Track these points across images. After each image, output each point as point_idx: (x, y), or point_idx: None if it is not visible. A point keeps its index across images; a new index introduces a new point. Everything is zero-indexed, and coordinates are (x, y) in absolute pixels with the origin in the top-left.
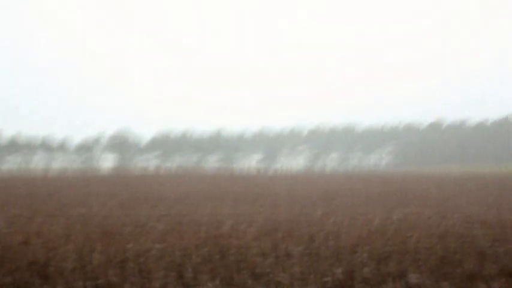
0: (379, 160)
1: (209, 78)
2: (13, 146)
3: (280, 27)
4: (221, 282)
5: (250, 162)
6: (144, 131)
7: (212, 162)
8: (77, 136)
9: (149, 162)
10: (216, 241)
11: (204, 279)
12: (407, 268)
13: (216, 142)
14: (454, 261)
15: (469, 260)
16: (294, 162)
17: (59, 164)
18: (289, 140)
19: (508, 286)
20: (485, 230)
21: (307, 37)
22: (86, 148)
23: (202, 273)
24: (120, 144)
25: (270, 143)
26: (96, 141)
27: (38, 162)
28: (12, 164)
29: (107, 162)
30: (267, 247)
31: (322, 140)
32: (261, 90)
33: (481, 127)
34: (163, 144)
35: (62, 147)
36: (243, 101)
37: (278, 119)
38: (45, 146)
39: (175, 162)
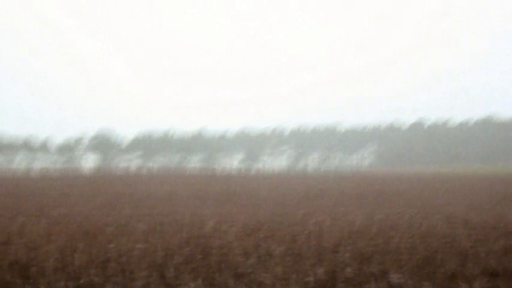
0: (361, 160)
1: (191, 78)
2: None
3: (258, 27)
4: (203, 282)
5: (232, 162)
6: (127, 131)
7: (194, 162)
8: (59, 136)
9: (131, 163)
10: (198, 241)
11: (186, 278)
12: (389, 268)
13: (198, 142)
14: (436, 261)
15: (451, 260)
16: (276, 162)
17: (41, 164)
18: (271, 140)
19: (490, 286)
20: (467, 230)
21: (287, 37)
22: (68, 148)
23: (184, 272)
24: (102, 144)
25: (252, 143)
26: (78, 141)
27: (19, 163)
28: None
29: (89, 162)
30: (249, 247)
31: (304, 140)
32: (243, 90)
33: (463, 127)
34: (145, 144)
35: (44, 147)
36: (225, 101)
37: (261, 118)
38: (27, 146)
39: (157, 163)
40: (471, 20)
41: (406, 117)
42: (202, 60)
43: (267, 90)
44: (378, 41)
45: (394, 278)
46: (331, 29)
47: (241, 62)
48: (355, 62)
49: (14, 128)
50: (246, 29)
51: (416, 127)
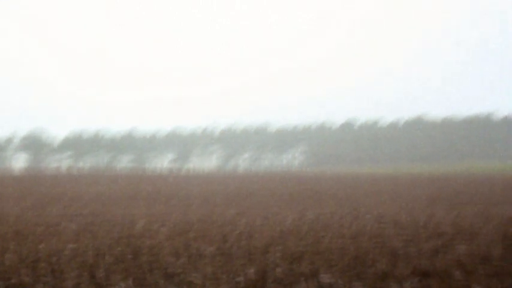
0: (292, 160)
1: (123, 78)
2: None
3: (188, 26)
4: (133, 282)
5: (163, 162)
6: (58, 131)
7: (125, 163)
8: None
9: (62, 162)
10: (129, 241)
11: (117, 279)
12: (319, 268)
13: (128, 142)
14: (367, 261)
15: (381, 260)
16: (206, 162)
17: None
18: (202, 140)
19: (420, 286)
20: (398, 229)
21: (217, 36)
22: None
23: (115, 273)
24: (33, 144)
25: (183, 143)
26: (9, 141)
27: None
28: None
29: (20, 162)
30: (180, 247)
31: (234, 140)
32: (174, 90)
33: (393, 127)
34: (76, 144)
35: None
36: (157, 101)
37: (192, 118)
38: None
39: (88, 163)
40: (404, 22)
41: (337, 117)
42: (134, 59)
43: (198, 89)
44: (310, 42)
45: (325, 278)
46: (262, 29)
47: (173, 61)
48: (287, 63)
49: None
50: (177, 28)
51: (347, 127)
